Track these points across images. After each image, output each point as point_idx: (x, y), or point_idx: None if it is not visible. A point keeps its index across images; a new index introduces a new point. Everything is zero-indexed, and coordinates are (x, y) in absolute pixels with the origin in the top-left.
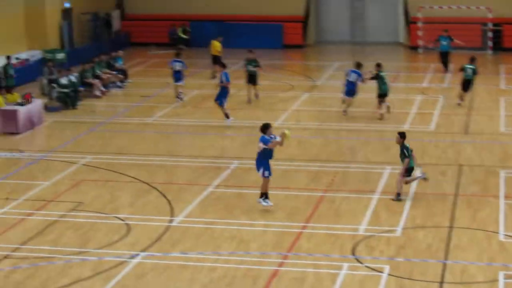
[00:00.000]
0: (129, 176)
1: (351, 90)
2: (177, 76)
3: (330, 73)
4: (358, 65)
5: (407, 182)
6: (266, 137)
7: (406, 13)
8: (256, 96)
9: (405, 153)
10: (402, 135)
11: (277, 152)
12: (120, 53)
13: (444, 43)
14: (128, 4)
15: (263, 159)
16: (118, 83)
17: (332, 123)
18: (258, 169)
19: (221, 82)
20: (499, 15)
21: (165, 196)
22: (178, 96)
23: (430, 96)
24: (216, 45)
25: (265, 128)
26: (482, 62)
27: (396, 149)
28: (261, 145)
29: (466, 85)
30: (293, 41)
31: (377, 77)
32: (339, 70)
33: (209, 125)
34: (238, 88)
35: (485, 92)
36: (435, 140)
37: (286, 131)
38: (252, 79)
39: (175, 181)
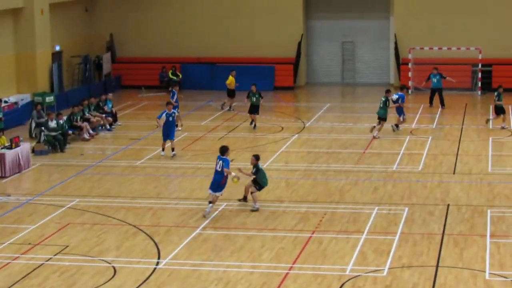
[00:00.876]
0: (116, 219)
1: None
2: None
3: (319, 115)
4: (402, 88)
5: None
6: (228, 160)
7: (397, 54)
8: (254, 125)
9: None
10: (257, 158)
11: (265, 193)
12: (110, 95)
13: (435, 80)
14: (118, 47)
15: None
16: (107, 126)
17: (321, 164)
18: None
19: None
20: (489, 56)
21: (152, 239)
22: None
23: (419, 136)
24: (229, 79)
25: (225, 150)
26: (471, 102)
27: (384, 189)
28: (225, 168)
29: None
30: (284, 82)
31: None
32: (329, 111)
33: (197, 167)
34: (228, 128)
35: (474, 132)
36: (423, 180)
37: (235, 179)
38: (254, 109)
39: (163, 223)
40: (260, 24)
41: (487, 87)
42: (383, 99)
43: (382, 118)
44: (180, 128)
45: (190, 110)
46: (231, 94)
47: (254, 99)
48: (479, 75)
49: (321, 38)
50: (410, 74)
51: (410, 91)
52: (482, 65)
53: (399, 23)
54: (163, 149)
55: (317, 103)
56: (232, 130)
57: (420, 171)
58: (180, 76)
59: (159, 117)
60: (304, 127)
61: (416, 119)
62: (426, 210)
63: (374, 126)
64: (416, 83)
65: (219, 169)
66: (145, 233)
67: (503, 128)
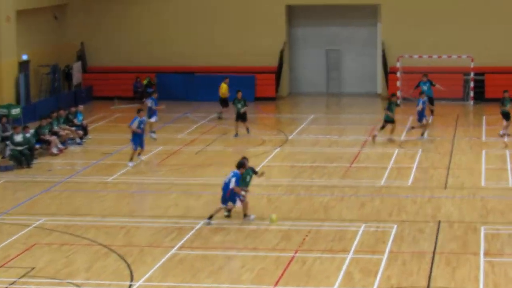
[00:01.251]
0: (86, 239)
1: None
2: (149, 112)
3: (303, 127)
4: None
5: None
6: (239, 174)
7: (385, 62)
8: (248, 130)
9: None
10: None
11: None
12: (80, 107)
13: (425, 87)
14: (90, 56)
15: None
16: (77, 140)
17: (304, 179)
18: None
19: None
20: (481, 64)
21: (124, 260)
22: (151, 131)
23: (408, 149)
24: (222, 87)
25: (241, 166)
26: (463, 113)
27: (372, 206)
28: (233, 182)
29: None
30: (266, 93)
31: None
32: (313, 123)
33: (173, 183)
34: (206, 142)
35: (466, 144)
36: (413, 196)
37: (274, 217)
38: (241, 116)
39: (136, 243)
40: (240, 31)
41: (479, 97)
42: (389, 103)
43: (389, 121)
44: (154, 137)
45: (166, 122)
46: (224, 103)
47: (240, 106)
48: (471, 84)
49: (304, 46)
50: (398, 83)
51: (399, 101)
52: (475, 74)
53: (387, 30)
54: (131, 159)
55: (300, 115)
56: (210, 143)
57: (410, 186)
58: (154, 85)
59: (131, 124)
60: (286, 140)
61: (405, 131)
62: (416, 227)
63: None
64: (405, 93)
65: (227, 181)
66: (116, 253)
67: (501, 135)
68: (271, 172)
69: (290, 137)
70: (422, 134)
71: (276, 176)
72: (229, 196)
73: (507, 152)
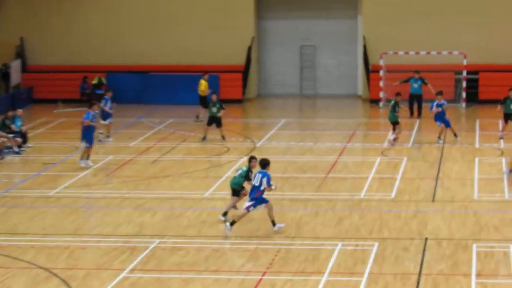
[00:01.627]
0: (24, 261)
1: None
2: (103, 114)
3: (273, 133)
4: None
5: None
6: (268, 173)
7: (366, 60)
8: (223, 137)
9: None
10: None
11: (207, 227)
12: (19, 112)
13: (416, 85)
14: (30, 54)
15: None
16: (15, 148)
17: (274, 192)
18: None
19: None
20: (475, 61)
21: (68, 285)
22: (106, 135)
23: (391, 158)
24: (201, 84)
25: (266, 164)
26: (455, 116)
27: (350, 221)
28: (265, 183)
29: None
30: (231, 95)
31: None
32: (285, 128)
33: (125, 196)
34: (162, 150)
35: (458, 151)
36: (397, 210)
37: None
38: (215, 120)
39: (81, 265)
40: (201, 26)
41: (473, 98)
42: (392, 102)
43: (394, 123)
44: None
45: (118, 128)
46: (204, 102)
47: (215, 109)
48: (464, 84)
49: (275, 41)
50: (381, 83)
51: (381, 104)
52: (467, 73)
53: (369, 23)
54: (82, 158)
55: (270, 119)
56: (167, 152)
57: (393, 199)
58: (105, 85)
59: (87, 118)
60: (254, 147)
61: (388, 137)
62: (400, 246)
63: (395, 138)
64: (389, 94)
65: (257, 184)
66: (59, 277)
67: (501, 138)
68: None
69: (258, 144)
70: (439, 137)
71: None
72: (258, 196)
73: (503, 160)
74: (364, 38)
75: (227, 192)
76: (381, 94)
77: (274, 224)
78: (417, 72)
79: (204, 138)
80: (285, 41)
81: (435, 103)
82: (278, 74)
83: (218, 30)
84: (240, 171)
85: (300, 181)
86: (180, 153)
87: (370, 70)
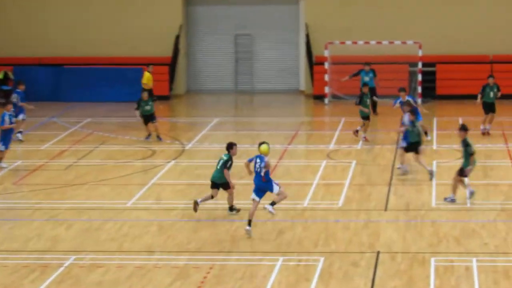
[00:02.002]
0: None
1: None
2: (15, 109)
3: (204, 133)
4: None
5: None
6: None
7: (309, 51)
8: (159, 137)
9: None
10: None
11: (130, 241)
12: None
13: (367, 78)
14: None
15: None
16: None
17: (206, 201)
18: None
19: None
20: (432, 52)
21: None
22: (18, 131)
23: (338, 161)
24: (145, 76)
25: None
26: None
27: (292, 233)
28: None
29: None
30: (157, 90)
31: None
32: (218, 129)
33: (35, 207)
34: (78, 154)
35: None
36: (345, 220)
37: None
38: (151, 118)
39: None
40: (122, 12)
41: (429, 93)
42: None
43: (365, 118)
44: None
45: (28, 129)
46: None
47: (148, 107)
48: (419, 77)
49: (207, 30)
50: (327, 77)
51: (326, 100)
52: (423, 65)
53: (312, 9)
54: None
55: (201, 118)
56: (84, 156)
57: (341, 208)
58: (12, 80)
59: (2, 124)
60: (183, 150)
61: (335, 137)
62: (348, 260)
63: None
64: (335, 89)
65: (258, 170)
66: None
67: (484, 133)
68: (162, 192)
69: (187, 147)
70: (426, 134)
71: (169, 198)
72: (265, 183)
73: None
74: (307, 26)
75: (152, 201)
76: (326, 89)
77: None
78: (368, 64)
79: (148, 136)
80: (218, 29)
81: (399, 100)
82: (210, 67)
83: (141, 18)
84: (221, 161)
85: (235, 188)
86: (99, 157)
87: (313, 63)
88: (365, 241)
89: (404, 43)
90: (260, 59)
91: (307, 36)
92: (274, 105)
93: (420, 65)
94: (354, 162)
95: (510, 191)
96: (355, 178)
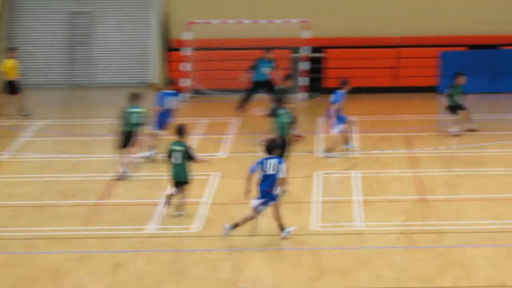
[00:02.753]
0: None
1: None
2: None
3: (25, 141)
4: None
5: None
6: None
7: (165, 33)
8: None
9: None
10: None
11: None
12: None
13: (264, 69)
14: None
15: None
16: None
17: (21, 227)
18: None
19: None
20: (320, 34)
21: None
22: None
23: (195, 173)
24: (7, 64)
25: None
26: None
27: (133, 268)
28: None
29: None
30: None
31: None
32: (41, 135)
33: None
34: None
35: (290, 163)
36: (202, 249)
37: None
38: None
39: None
40: None
41: (315, 86)
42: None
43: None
44: None
45: None
46: (13, 89)
47: None
48: (305, 66)
49: (31, 6)
50: (187, 66)
51: (187, 96)
52: (312, 50)
53: None
54: None
55: (21, 121)
56: None
57: (197, 233)
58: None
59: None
60: None
61: (195, 143)
62: None
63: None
64: (199, 82)
65: (272, 172)
66: None
67: (454, 134)
68: None
69: (2, 158)
70: (347, 143)
71: None
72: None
73: (353, 174)
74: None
75: None
76: (187, 82)
77: (282, 229)
78: (269, 51)
79: None
80: (46, 5)
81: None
82: (36, 55)
83: None
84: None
85: (61, 211)
86: None
87: (169, 48)
88: (227, 276)
89: (286, 21)
90: (101, 45)
91: (163, 14)
92: (117, 103)
93: (305, 50)
94: (217, 174)
95: (413, 209)
96: (217, 195)
